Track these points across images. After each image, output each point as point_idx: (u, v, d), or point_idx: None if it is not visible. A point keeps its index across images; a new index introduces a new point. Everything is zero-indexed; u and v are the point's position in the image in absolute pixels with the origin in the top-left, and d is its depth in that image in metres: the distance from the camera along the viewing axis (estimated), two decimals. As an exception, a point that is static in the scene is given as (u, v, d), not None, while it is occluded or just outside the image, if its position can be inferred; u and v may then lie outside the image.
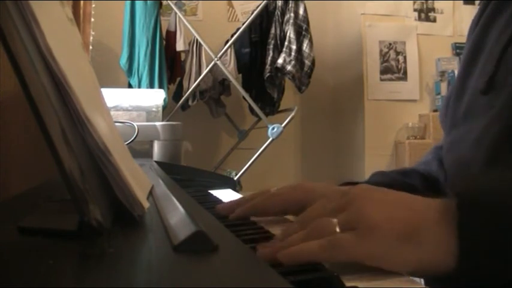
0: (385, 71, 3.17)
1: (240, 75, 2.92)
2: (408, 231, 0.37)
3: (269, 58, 2.73)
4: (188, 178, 0.99)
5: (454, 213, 0.37)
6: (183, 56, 2.86)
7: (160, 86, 2.57)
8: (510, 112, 0.55)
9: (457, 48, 3.20)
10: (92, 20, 1.82)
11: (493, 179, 0.43)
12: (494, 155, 0.56)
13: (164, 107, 2.22)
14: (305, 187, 0.62)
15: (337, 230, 0.39)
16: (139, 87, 2.59)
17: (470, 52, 0.68)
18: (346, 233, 0.38)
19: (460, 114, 0.65)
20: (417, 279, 0.43)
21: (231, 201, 0.62)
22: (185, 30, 2.72)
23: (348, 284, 0.35)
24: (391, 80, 3.18)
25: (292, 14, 2.69)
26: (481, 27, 0.68)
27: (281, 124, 2.51)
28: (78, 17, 1.62)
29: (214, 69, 2.71)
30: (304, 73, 2.69)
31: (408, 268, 0.38)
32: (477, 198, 0.38)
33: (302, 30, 2.69)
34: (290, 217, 0.64)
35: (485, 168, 0.56)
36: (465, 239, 0.36)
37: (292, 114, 2.57)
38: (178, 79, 2.90)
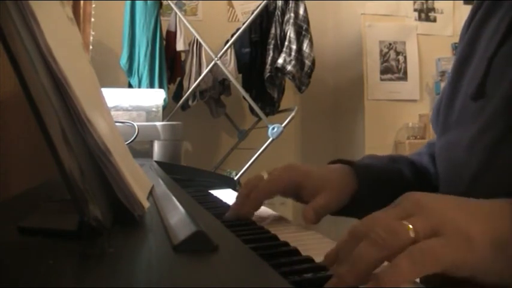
0: (385, 71, 3.17)
1: (240, 75, 2.92)
2: (498, 237, 0.34)
3: (269, 58, 2.73)
4: (188, 178, 0.99)
5: None
6: (183, 56, 2.86)
7: (161, 86, 2.57)
8: (501, 119, 0.55)
9: (457, 48, 3.20)
10: (92, 20, 1.82)
11: None
12: (488, 160, 0.56)
13: (164, 107, 2.21)
14: (300, 169, 0.64)
15: (412, 234, 0.33)
16: (139, 87, 2.59)
17: (462, 55, 0.68)
18: (432, 240, 0.33)
19: (452, 119, 0.65)
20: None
21: (233, 205, 0.62)
22: (185, 30, 2.72)
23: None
24: (391, 80, 3.18)
25: (292, 14, 2.69)
26: (473, 30, 0.67)
27: (281, 124, 2.51)
28: (78, 17, 1.62)
29: (214, 69, 2.70)
30: (304, 73, 2.69)
31: (501, 279, 0.35)
32: None
33: (302, 30, 2.69)
34: (289, 217, 0.64)
35: (479, 174, 0.56)
36: None
37: (292, 114, 2.57)
38: (178, 79, 2.90)
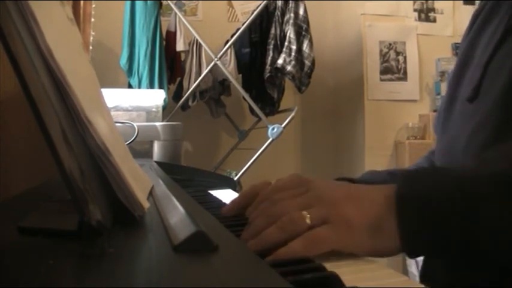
0: (385, 71, 3.17)
1: (240, 75, 2.92)
2: (373, 222, 0.44)
3: (269, 58, 2.73)
4: (188, 178, 0.99)
5: (393, 200, 0.44)
6: (183, 56, 2.86)
7: (160, 86, 2.57)
8: (493, 118, 0.57)
9: (457, 48, 3.20)
10: (92, 20, 1.82)
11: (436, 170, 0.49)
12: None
13: (164, 107, 2.21)
14: (306, 178, 0.65)
15: (308, 222, 0.44)
16: (139, 87, 2.59)
17: (461, 61, 0.71)
18: (322, 227, 0.43)
19: (451, 122, 0.68)
20: (416, 277, 0.45)
21: (233, 201, 0.62)
22: (185, 31, 2.72)
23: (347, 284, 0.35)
24: (391, 80, 3.18)
25: (292, 14, 2.68)
26: (471, 37, 0.70)
27: (281, 124, 2.51)
28: (78, 17, 1.62)
29: (214, 70, 2.70)
30: (304, 73, 2.69)
31: (377, 253, 0.45)
32: (413, 185, 0.44)
33: (302, 30, 2.69)
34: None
35: None
36: (403, 224, 0.43)
37: (292, 114, 2.57)
38: (178, 79, 2.90)
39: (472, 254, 0.43)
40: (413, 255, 0.45)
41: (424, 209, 0.43)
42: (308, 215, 0.44)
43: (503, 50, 0.60)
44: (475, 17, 0.71)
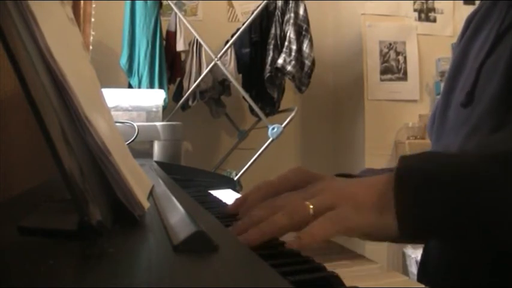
0: (385, 71, 3.17)
1: (240, 75, 2.92)
2: (376, 201, 0.45)
3: (269, 58, 2.73)
4: (188, 178, 0.99)
5: (393, 178, 0.44)
6: (183, 56, 2.86)
7: (161, 86, 2.57)
8: (486, 122, 0.58)
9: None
10: (92, 20, 1.82)
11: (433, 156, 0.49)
12: None
13: (164, 107, 2.21)
14: (309, 171, 0.66)
15: (311, 212, 0.45)
16: (139, 87, 2.59)
17: (454, 67, 0.72)
18: (331, 211, 0.44)
19: (446, 126, 0.69)
20: (415, 277, 0.45)
21: (239, 199, 0.61)
22: (185, 30, 2.72)
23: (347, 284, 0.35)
24: (391, 80, 3.17)
25: (292, 14, 2.68)
26: (464, 43, 0.71)
27: (281, 124, 2.51)
28: (78, 17, 1.62)
29: (214, 70, 2.70)
30: (304, 73, 2.69)
31: (385, 233, 0.45)
32: (411, 171, 0.45)
33: (302, 30, 2.69)
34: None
35: None
36: (399, 207, 0.43)
37: (292, 114, 2.57)
38: (178, 79, 2.90)
39: (469, 236, 0.42)
40: (408, 235, 0.44)
41: (423, 185, 0.43)
42: (311, 206, 0.45)
43: (496, 54, 0.61)
44: (468, 23, 0.72)
